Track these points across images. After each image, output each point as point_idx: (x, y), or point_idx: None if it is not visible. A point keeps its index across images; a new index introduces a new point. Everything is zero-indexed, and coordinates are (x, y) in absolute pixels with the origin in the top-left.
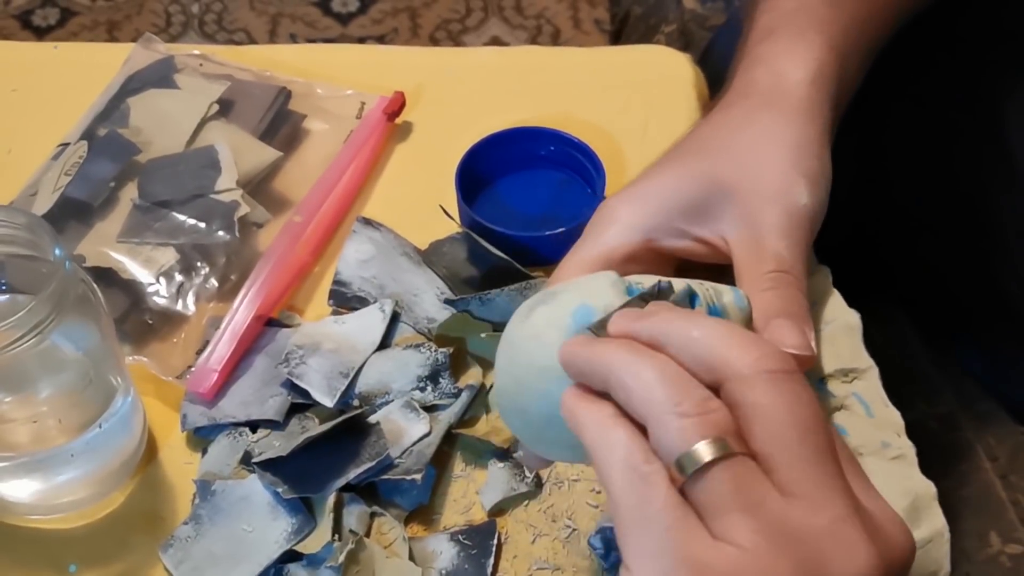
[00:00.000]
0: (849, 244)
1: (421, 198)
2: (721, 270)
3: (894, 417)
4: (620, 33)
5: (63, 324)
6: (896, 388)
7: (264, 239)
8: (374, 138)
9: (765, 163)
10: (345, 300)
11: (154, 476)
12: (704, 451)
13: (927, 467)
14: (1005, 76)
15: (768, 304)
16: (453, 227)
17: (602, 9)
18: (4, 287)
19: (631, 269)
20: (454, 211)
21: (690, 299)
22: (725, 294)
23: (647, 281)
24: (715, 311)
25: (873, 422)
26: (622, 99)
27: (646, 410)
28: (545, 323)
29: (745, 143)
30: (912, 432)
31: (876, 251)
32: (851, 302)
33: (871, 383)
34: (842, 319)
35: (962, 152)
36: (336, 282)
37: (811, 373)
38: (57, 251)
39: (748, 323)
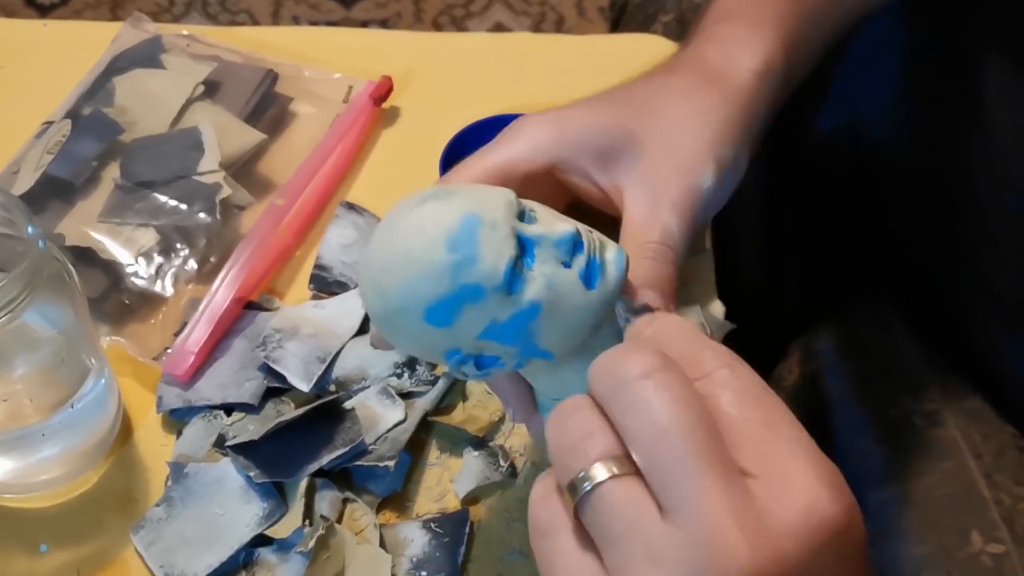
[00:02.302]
0: (840, 237)
1: (407, 184)
2: (610, 223)
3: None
4: (619, 21)
5: (36, 302)
6: (883, 382)
7: (246, 222)
8: (360, 122)
9: (684, 135)
10: (326, 285)
11: (128, 457)
12: (591, 474)
13: (909, 464)
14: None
15: (643, 272)
16: None
17: None
18: None
19: (528, 189)
20: None
21: (574, 244)
22: (609, 250)
23: (540, 211)
24: (593, 264)
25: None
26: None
27: (550, 453)
28: (432, 218)
29: (671, 110)
30: (896, 427)
31: (865, 245)
32: (841, 295)
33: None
34: (707, 310)
35: (948, 145)
36: (317, 266)
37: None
38: (30, 229)
39: (621, 284)
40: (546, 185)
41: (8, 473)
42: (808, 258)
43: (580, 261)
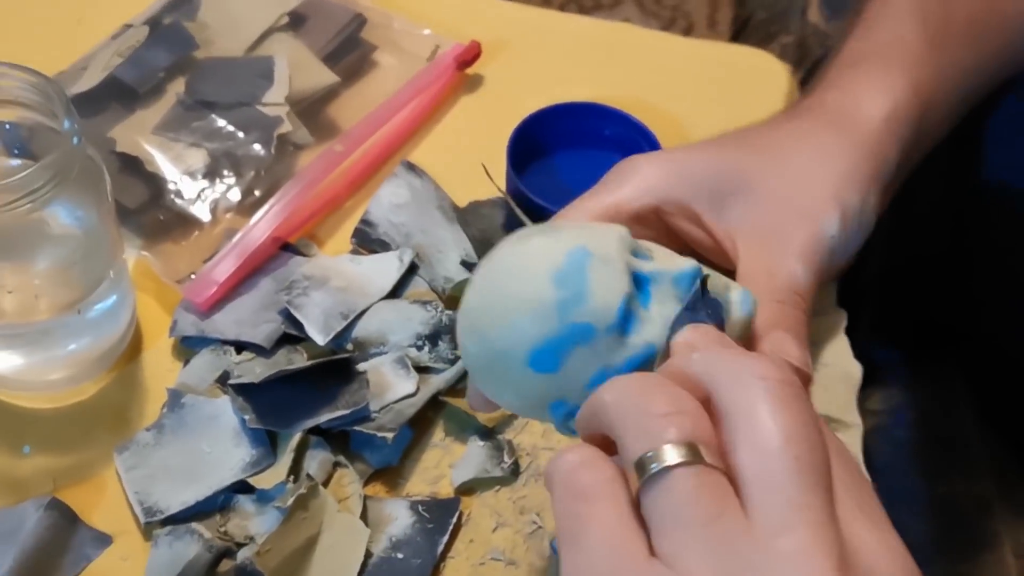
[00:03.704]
0: (909, 297)
1: (473, 154)
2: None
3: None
4: (739, 34)
5: (62, 198)
6: (936, 456)
7: (301, 162)
8: (439, 84)
9: (806, 180)
10: (368, 240)
11: (131, 375)
12: (668, 453)
13: (948, 547)
14: None
15: (773, 316)
16: (497, 190)
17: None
18: (18, 151)
19: (636, 231)
20: (503, 174)
21: (692, 281)
22: (733, 290)
23: (656, 250)
24: (716, 306)
25: None
26: (708, 97)
27: (616, 418)
28: (537, 253)
29: (791, 153)
30: (942, 507)
31: (942, 310)
32: (905, 356)
33: (853, 439)
34: (842, 367)
35: None
36: (364, 221)
37: None
38: (67, 123)
39: (747, 329)
40: (653, 230)
41: (7, 369)
42: (877, 313)
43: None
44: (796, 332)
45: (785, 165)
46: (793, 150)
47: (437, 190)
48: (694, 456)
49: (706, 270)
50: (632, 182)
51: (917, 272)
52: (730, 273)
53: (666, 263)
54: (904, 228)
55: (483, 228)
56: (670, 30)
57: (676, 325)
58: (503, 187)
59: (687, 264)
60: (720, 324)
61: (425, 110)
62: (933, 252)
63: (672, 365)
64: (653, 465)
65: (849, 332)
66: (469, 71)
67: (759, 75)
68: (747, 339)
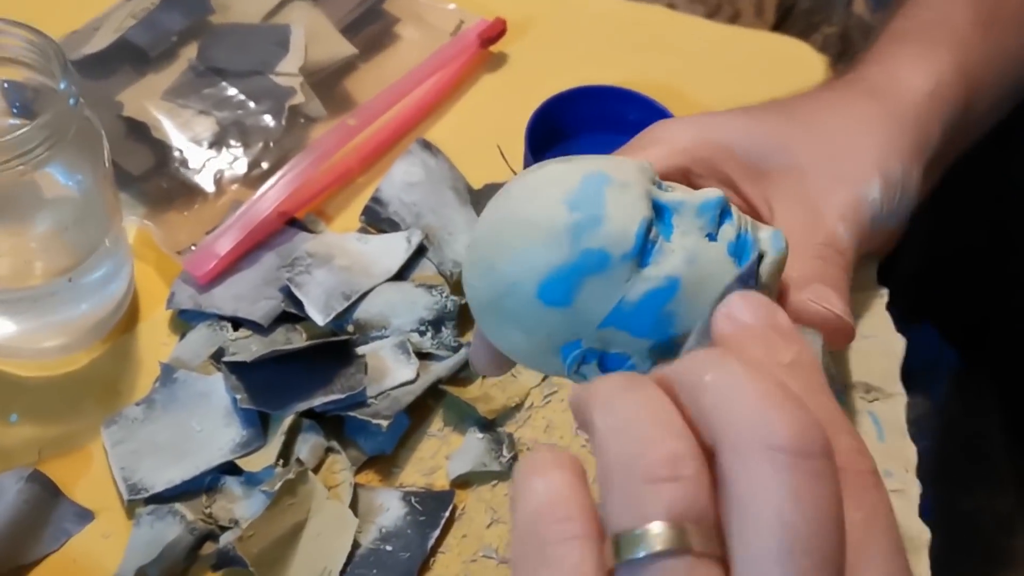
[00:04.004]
0: (943, 298)
1: (492, 135)
2: None
3: (907, 451)
4: (782, 23)
5: (56, 161)
6: (960, 467)
7: (312, 136)
8: (461, 60)
9: (846, 148)
10: (377, 219)
11: (125, 347)
12: (654, 537)
13: (965, 563)
14: None
15: (814, 270)
16: (512, 173)
17: None
18: (18, 110)
19: None
20: (521, 157)
21: (720, 212)
22: (764, 229)
23: (679, 188)
24: (744, 239)
25: (881, 448)
26: (739, 85)
27: (602, 459)
28: (551, 176)
29: (832, 122)
30: (964, 522)
31: (978, 315)
32: (935, 361)
33: (894, 409)
34: (884, 339)
35: None
36: (374, 199)
37: (834, 377)
38: (63, 84)
39: (779, 271)
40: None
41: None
42: (910, 312)
43: (728, 233)
44: (836, 287)
45: (824, 133)
46: (833, 120)
47: (452, 170)
48: (683, 543)
49: (733, 209)
50: (662, 143)
51: (953, 271)
52: None
53: (690, 193)
54: (943, 223)
55: None
56: (716, 17)
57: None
58: (519, 170)
59: (712, 193)
60: (742, 260)
61: (445, 87)
62: (971, 249)
63: (686, 375)
64: (637, 551)
65: None
66: (493, 48)
67: (795, 66)
68: (775, 285)
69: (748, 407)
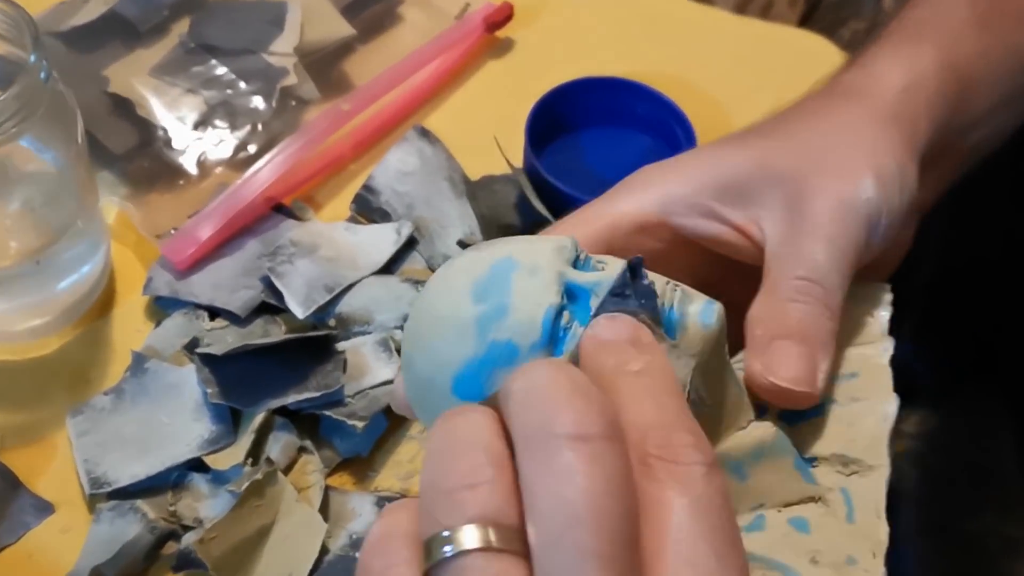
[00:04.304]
0: (956, 311)
1: (494, 125)
2: (757, 275)
3: (879, 533)
4: (809, 17)
5: (26, 136)
6: (967, 487)
7: (304, 119)
8: (465, 45)
9: (829, 151)
10: (368, 208)
11: (98, 333)
12: (457, 537)
13: None
14: None
15: (782, 318)
16: (517, 165)
17: None
18: None
19: (643, 243)
20: (519, 149)
21: (639, 294)
22: (694, 302)
23: (610, 262)
24: (670, 317)
25: (849, 529)
26: (754, 81)
27: (424, 468)
28: (461, 267)
29: (812, 131)
30: (969, 543)
31: (987, 325)
32: (945, 384)
33: (872, 485)
34: (876, 402)
35: None
36: (366, 187)
37: (802, 449)
38: (34, 57)
39: (713, 343)
40: (663, 242)
41: None
42: (921, 325)
43: None
44: (806, 337)
45: (806, 142)
46: (815, 126)
47: (449, 160)
48: (485, 541)
49: (660, 283)
50: (637, 190)
51: (967, 283)
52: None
53: (607, 272)
54: (956, 236)
55: (493, 205)
56: (746, 9)
57: (597, 313)
58: (520, 163)
59: (623, 264)
60: (657, 320)
61: (446, 72)
62: (985, 262)
63: (502, 386)
64: (442, 550)
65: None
66: (499, 34)
67: (813, 61)
68: (717, 353)
69: (538, 405)
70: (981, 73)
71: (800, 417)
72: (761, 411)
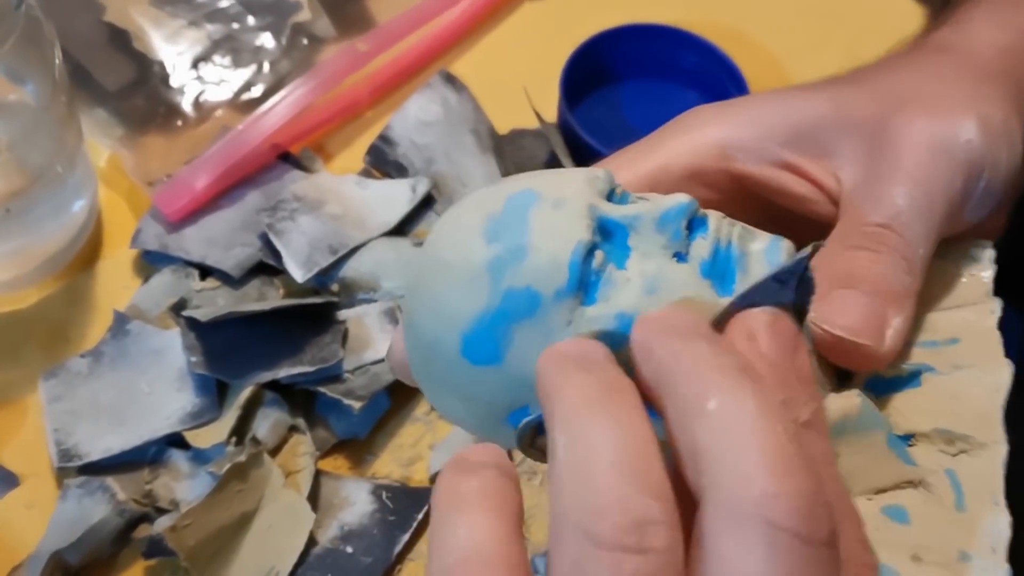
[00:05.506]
0: None
1: (527, 74)
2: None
3: (998, 523)
4: None
5: None
6: None
7: (317, 59)
8: None
9: (924, 92)
10: (383, 161)
11: (80, 288)
12: None
13: None
14: None
15: (847, 267)
16: (552, 119)
17: None
18: None
19: (695, 191)
20: (553, 101)
21: (690, 222)
22: (758, 239)
23: (653, 199)
24: (724, 258)
25: (959, 519)
26: (815, 36)
27: (555, 498)
28: (471, 204)
29: (900, 79)
30: None
31: None
32: None
33: (985, 466)
34: (985, 369)
35: None
36: (382, 137)
37: (895, 425)
38: None
39: None
40: (721, 192)
41: None
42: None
43: (701, 249)
44: (875, 287)
45: (894, 89)
46: (902, 76)
47: (476, 111)
48: None
49: (716, 219)
50: (693, 130)
51: None
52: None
53: (652, 204)
54: None
55: (521, 162)
56: None
57: (749, 296)
58: (552, 117)
59: (675, 199)
60: (724, 284)
61: (477, 13)
62: None
63: (683, 386)
64: None
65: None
66: None
67: (884, 16)
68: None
69: (752, 461)
70: None
71: (890, 387)
72: (841, 382)
